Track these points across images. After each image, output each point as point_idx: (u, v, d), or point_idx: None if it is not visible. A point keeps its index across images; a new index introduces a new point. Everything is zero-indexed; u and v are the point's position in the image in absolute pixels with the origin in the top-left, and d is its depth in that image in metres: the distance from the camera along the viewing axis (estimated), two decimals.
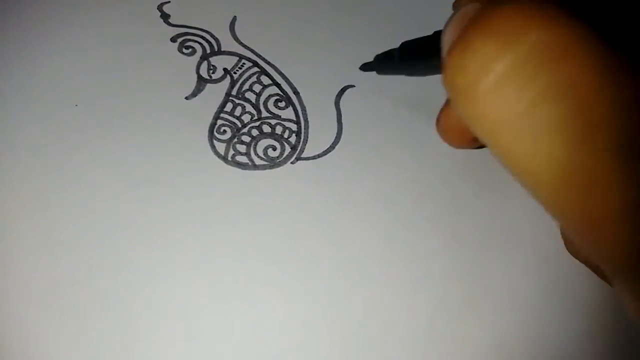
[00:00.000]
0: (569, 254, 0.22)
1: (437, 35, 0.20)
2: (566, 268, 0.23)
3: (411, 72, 0.23)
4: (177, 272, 0.23)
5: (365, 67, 0.26)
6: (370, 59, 0.25)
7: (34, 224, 0.23)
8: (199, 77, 0.26)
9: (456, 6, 0.19)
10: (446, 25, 0.15)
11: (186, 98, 0.26)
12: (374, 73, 0.25)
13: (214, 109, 0.26)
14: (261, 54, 0.27)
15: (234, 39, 0.27)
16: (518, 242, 0.24)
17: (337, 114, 0.26)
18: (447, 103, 0.22)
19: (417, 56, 0.22)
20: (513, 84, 0.13)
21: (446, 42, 0.15)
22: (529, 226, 0.24)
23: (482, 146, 0.23)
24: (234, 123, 0.26)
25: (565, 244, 0.22)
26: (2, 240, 0.23)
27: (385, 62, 0.24)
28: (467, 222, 0.24)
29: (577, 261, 0.22)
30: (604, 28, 0.12)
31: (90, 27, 0.27)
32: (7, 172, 0.24)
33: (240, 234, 0.24)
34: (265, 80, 0.27)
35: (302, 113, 0.26)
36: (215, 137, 0.25)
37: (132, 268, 0.23)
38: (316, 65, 0.27)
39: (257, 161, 0.25)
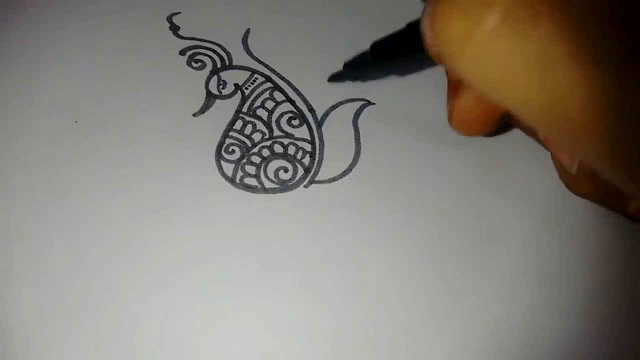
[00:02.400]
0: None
1: (413, 26, 0.19)
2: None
3: (390, 72, 0.23)
4: (181, 300, 0.21)
5: (335, 78, 0.24)
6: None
7: (30, 245, 0.22)
8: (208, 92, 0.25)
9: None
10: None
11: (194, 115, 0.24)
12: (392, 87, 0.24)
13: (223, 126, 0.24)
14: (275, 69, 0.25)
15: (247, 53, 0.26)
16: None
17: (354, 133, 0.24)
18: (452, 94, 0.21)
19: (395, 52, 0.21)
20: (513, 28, 0.13)
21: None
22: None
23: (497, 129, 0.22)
24: (244, 142, 0.24)
25: (567, 184, 0.22)
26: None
27: (358, 67, 0.23)
28: (499, 252, 0.22)
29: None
30: None
31: (96, 38, 0.26)
32: (3, 180, 0.23)
33: (248, 262, 0.22)
34: (278, 96, 0.25)
35: (317, 132, 0.24)
36: (223, 157, 0.24)
37: (134, 292, 0.21)
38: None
39: (267, 184, 0.23)
